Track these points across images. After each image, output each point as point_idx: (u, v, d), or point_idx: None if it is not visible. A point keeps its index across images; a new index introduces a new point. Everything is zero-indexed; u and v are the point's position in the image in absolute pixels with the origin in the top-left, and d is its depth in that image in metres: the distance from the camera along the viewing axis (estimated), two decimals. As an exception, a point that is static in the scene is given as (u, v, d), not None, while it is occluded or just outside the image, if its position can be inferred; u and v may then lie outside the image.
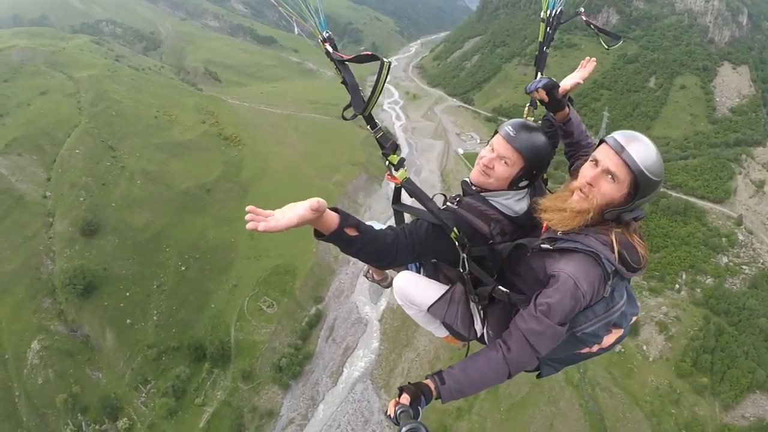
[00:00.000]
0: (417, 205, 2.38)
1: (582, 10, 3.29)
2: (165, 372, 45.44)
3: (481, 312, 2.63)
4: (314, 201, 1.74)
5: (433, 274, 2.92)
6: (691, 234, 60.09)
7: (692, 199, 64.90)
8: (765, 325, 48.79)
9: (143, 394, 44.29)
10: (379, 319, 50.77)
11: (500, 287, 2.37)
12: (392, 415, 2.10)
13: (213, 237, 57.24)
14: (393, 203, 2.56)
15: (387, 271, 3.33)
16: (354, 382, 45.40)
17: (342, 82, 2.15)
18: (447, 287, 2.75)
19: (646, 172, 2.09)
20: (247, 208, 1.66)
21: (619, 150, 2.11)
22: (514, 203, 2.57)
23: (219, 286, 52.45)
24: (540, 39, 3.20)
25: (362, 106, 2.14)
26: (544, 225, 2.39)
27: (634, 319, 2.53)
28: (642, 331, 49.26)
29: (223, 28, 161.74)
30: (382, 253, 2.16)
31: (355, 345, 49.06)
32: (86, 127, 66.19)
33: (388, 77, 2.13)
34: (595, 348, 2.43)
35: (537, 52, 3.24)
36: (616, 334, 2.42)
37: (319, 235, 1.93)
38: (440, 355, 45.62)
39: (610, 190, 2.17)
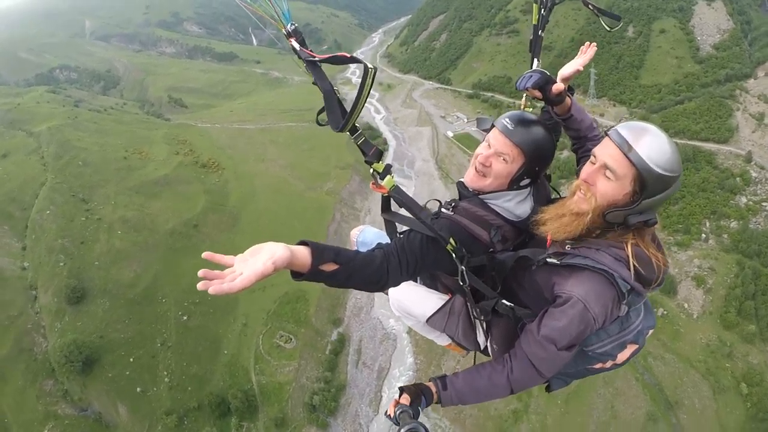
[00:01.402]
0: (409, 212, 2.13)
1: None
2: (191, 437, 41.62)
3: (484, 324, 2.40)
4: (272, 258, 1.51)
5: (430, 283, 2.67)
6: (705, 179, 58.97)
7: (698, 143, 63.60)
8: (802, 261, 47.31)
9: (174, 466, 40.44)
10: (408, 332, 47.46)
11: (504, 302, 2.18)
12: (392, 415, 2.05)
13: (210, 276, 52.87)
14: (382, 212, 2.30)
15: None
16: (399, 406, 42.28)
17: (314, 83, 1.83)
18: (446, 298, 2.57)
19: (655, 167, 1.81)
20: (204, 260, 1.45)
21: (624, 145, 1.85)
22: (516, 206, 2.34)
23: (228, 329, 48.40)
24: (534, 22, 2.82)
25: (340, 122, 1.82)
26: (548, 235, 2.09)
27: (651, 332, 2.23)
28: (680, 289, 48.50)
29: (181, 53, 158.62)
30: (371, 280, 1.96)
31: (389, 365, 46.04)
32: (53, 183, 61.52)
33: (371, 84, 1.74)
34: (609, 364, 2.22)
35: (531, 37, 2.84)
36: (631, 349, 2.17)
37: (296, 275, 1.72)
38: (480, 358, 42.58)
39: (610, 189, 1.92)
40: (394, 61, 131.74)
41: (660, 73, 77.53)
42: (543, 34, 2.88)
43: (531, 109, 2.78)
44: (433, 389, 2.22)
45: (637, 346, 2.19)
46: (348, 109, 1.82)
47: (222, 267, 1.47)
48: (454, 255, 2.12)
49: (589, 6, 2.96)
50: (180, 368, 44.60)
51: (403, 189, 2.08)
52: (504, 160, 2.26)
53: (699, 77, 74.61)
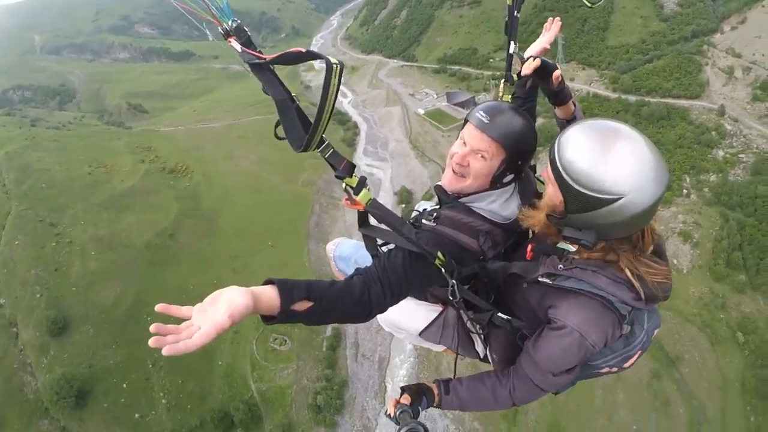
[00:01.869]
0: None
1: None
2: (198, 457, 40.36)
3: (482, 336, 2.32)
4: (229, 309, 1.27)
5: (418, 294, 2.48)
6: (682, 136, 60.31)
7: (671, 101, 64.90)
8: (786, 208, 48.44)
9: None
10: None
11: (500, 314, 2.10)
12: (392, 415, 2.04)
13: (193, 286, 50.98)
14: (360, 227, 2.07)
15: None
16: (403, 394, 41.73)
17: (264, 91, 1.60)
18: (437, 309, 2.45)
19: (573, 183, 1.62)
20: (152, 327, 1.22)
21: (554, 158, 1.69)
22: (502, 206, 2.14)
23: (219, 339, 44.70)
24: (509, 2, 2.62)
25: (302, 140, 1.57)
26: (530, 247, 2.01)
27: (657, 331, 2.06)
28: (668, 246, 47.64)
29: (135, 57, 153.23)
30: (353, 313, 1.75)
31: (389, 354, 45.34)
32: (19, 211, 57.77)
33: (337, 85, 1.49)
34: (615, 369, 2.07)
35: (507, 18, 2.64)
36: (638, 354, 2.03)
37: (266, 318, 1.49)
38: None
39: (549, 191, 1.77)
40: (355, 42, 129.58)
41: (626, 34, 77.95)
42: (518, 15, 2.65)
43: (509, 97, 2.60)
44: (435, 391, 2.16)
45: (642, 351, 2.03)
46: (312, 120, 1.53)
47: (179, 321, 1.26)
48: (443, 270, 1.95)
49: None
50: (176, 387, 42.83)
51: (380, 202, 1.87)
52: (482, 157, 2.07)
53: (665, 35, 75.34)
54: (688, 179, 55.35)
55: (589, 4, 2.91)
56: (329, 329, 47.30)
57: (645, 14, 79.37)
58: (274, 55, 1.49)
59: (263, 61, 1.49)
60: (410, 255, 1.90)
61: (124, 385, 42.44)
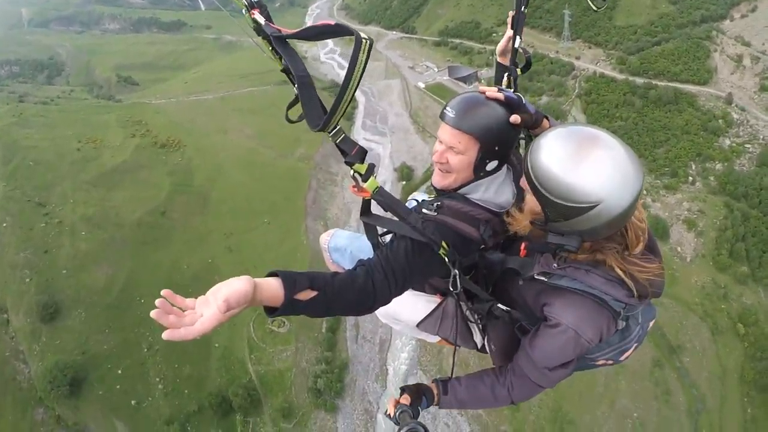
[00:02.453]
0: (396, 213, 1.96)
1: None
2: (196, 443, 39.67)
3: (480, 326, 2.37)
4: (226, 296, 1.28)
5: (416, 287, 2.48)
6: (689, 121, 59.46)
7: (678, 85, 63.50)
8: (789, 198, 48.35)
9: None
10: (405, 299, 46.41)
11: (499, 305, 2.13)
12: (392, 415, 2.04)
13: (188, 265, 49.71)
14: (361, 215, 2.14)
15: None
16: (404, 377, 41.38)
17: (283, 71, 1.60)
18: (435, 300, 2.44)
19: (546, 192, 1.62)
20: (157, 301, 1.25)
21: (527, 166, 1.69)
22: (496, 194, 2.17)
23: None
24: None
25: (321, 119, 1.55)
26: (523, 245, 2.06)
27: (652, 323, 2.09)
28: (672, 232, 48.90)
29: (125, 28, 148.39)
30: (357, 302, 1.77)
31: (389, 336, 44.59)
32: (5, 191, 55.13)
33: (364, 62, 1.45)
34: (611, 362, 2.15)
35: (514, 12, 2.62)
36: (633, 347, 2.08)
37: (270, 311, 1.50)
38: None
39: (529, 199, 1.84)
40: (352, 13, 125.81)
41: (634, 14, 75.63)
42: (525, 11, 2.59)
43: (512, 89, 2.53)
44: (435, 391, 2.18)
45: (638, 344, 2.07)
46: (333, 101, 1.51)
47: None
48: (447, 259, 1.96)
49: None
50: (172, 372, 41.89)
51: (386, 188, 1.87)
52: (457, 152, 2.08)
53: (674, 18, 73.54)
54: (694, 166, 54.90)
55: (594, 7, 2.92)
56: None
57: (655, -6, 76.93)
58: (297, 30, 1.42)
59: (288, 35, 1.42)
60: (414, 244, 1.90)
61: (119, 371, 41.45)
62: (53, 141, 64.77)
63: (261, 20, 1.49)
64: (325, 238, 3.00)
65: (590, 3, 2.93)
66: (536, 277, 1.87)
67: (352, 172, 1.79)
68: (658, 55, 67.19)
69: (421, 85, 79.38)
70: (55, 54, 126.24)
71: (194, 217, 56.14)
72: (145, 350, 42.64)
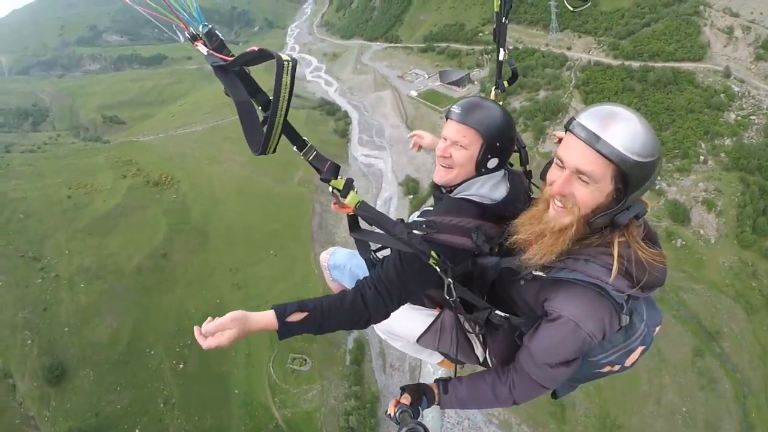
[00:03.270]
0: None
1: None
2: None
3: (480, 336, 2.35)
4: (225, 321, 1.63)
5: (415, 300, 2.47)
6: (691, 100, 58.49)
7: (675, 64, 62.85)
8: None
9: None
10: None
11: (497, 312, 2.07)
12: (392, 415, 2.05)
13: (195, 308, 47.31)
14: (351, 232, 2.13)
15: None
16: (441, 402, 39.30)
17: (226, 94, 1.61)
18: (434, 313, 2.44)
19: (634, 157, 1.57)
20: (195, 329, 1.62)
21: (593, 141, 1.59)
22: (491, 190, 2.20)
23: (231, 365, 43.03)
24: (496, 9, 2.66)
25: (259, 143, 1.56)
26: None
27: (658, 329, 2.05)
28: (692, 215, 47.83)
29: (106, 67, 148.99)
30: (351, 317, 1.91)
31: (419, 361, 42.14)
32: None
33: (290, 83, 1.48)
34: (617, 368, 2.05)
35: (495, 25, 2.73)
36: (639, 351, 1.99)
37: (280, 334, 1.78)
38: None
39: (590, 194, 1.68)
40: (333, 28, 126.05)
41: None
42: (507, 22, 2.66)
43: (501, 103, 2.53)
44: (435, 391, 2.16)
45: (644, 347, 1.98)
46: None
47: None
48: (438, 269, 1.96)
49: None
50: (193, 425, 39.27)
51: (369, 203, 1.88)
52: (462, 146, 2.17)
53: (658, -5, 72.86)
54: (703, 145, 53.75)
55: (572, 8, 3.00)
56: (350, 341, 44.25)
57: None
58: (231, 58, 1.48)
59: (223, 63, 1.48)
60: (403, 256, 1.96)
61: (137, 430, 38.83)
62: (43, 190, 62.39)
63: (203, 51, 1.52)
64: (325, 257, 2.95)
65: (567, 4, 2.98)
66: (535, 273, 1.82)
67: (330, 189, 1.79)
68: (650, 37, 66.40)
69: (414, 93, 78.13)
70: (38, 100, 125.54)
71: (195, 255, 53.93)
72: (162, 405, 39.99)
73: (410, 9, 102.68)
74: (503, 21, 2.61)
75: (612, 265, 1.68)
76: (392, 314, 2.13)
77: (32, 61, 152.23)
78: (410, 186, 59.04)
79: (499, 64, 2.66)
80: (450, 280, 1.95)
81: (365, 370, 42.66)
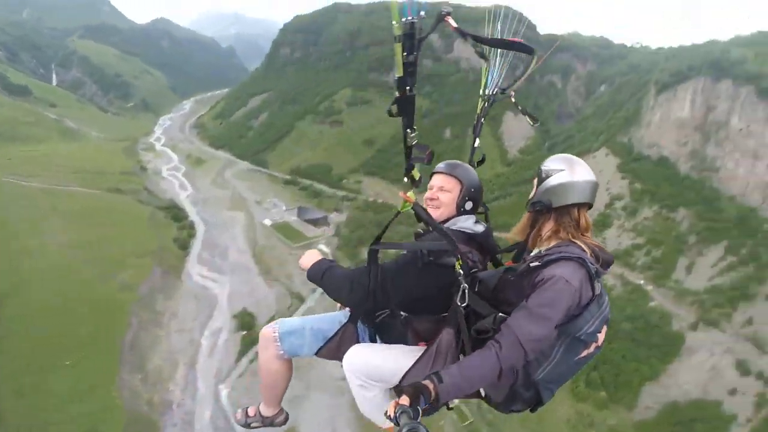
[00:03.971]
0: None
1: (512, 93, 3.34)
2: None
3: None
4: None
5: (397, 338, 2.71)
6: None
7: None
8: (627, 328, 52.26)
9: None
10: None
11: (500, 314, 2.30)
12: (392, 416, 2.08)
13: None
14: (372, 244, 2.46)
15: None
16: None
17: None
18: (420, 348, 2.59)
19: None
20: None
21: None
22: (473, 225, 2.71)
23: None
24: (477, 112, 3.36)
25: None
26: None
27: (605, 328, 2.44)
28: None
29: None
30: (336, 289, 2.51)
31: None
32: None
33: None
34: (592, 347, 2.38)
35: (474, 122, 3.39)
36: (604, 331, 2.38)
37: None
38: None
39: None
40: (205, 133, 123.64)
41: (477, 173, 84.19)
42: (483, 122, 3.34)
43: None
44: (431, 386, 2.20)
45: (606, 328, 2.36)
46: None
47: None
48: (462, 272, 2.32)
49: (518, 106, 3.39)
50: None
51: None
52: (446, 190, 2.76)
53: (509, 177, 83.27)
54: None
55: (531, 123, 3.46)
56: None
57: (492, 157, 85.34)
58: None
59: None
60: (421, 258, 2.40)
61: None
62: None
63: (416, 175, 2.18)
64: (272, 328, 2.95)
65: (528, 119, 3.41)
66: (532, 264, 2.22)
67: (407, 177, 2.18)
68: (500, 211, 70.47)
69: (268, 222, 74.82)
70: None
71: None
72: None
73: (286, 139, 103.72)
74: (481, 121, 3.34)
75: (585, 249, 2.25)
76: (377, 355, 2.61)
77: None
78: (245, 320, 49.27)
79: (473, 148, 3.30)
80: (466, 285, 2.30)
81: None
